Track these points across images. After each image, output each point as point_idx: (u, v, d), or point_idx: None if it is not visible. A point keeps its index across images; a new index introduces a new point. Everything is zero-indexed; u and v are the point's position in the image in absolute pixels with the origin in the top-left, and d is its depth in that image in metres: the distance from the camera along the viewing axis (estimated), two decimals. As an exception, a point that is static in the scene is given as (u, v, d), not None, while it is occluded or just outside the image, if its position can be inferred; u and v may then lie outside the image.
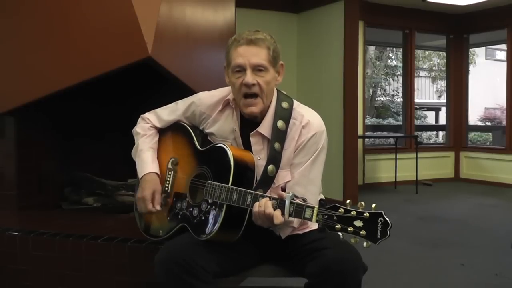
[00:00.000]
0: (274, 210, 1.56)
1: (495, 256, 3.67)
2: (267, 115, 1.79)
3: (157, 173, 1.89)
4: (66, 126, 3.15)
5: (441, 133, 11.65)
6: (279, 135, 1.76)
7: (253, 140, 1.79)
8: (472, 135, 9.76)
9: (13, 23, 2.73)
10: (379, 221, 1.41)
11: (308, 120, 1.79)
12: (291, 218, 1.56)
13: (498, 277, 3.20)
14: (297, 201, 1.54)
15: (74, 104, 3.08)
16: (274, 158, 1.74)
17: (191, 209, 1.78)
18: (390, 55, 13.07)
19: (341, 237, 1.45)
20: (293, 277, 1.80)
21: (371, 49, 11.88)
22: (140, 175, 1.89)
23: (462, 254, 3.70)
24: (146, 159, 1.91)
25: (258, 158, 1.77)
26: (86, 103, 3.20)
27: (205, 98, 1.91)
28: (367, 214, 1.42)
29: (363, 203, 1.44)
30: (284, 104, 1.80)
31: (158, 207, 1.83)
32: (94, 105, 3.24)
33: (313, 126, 1.78)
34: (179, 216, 1.81)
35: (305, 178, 1.76)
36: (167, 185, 1.89)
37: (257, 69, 1.71)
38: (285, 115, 1.78)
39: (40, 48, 2.66)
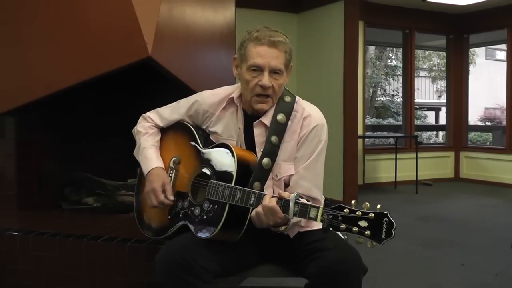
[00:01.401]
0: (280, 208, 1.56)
1: (495, 256, 3.67)
2: (270, 109, 1.81)
3: (162, 168, 1.89)
4: (66, 126, 3.15)
5: (441, 133, 11.66)
6: (278, 128, 1.77)
7: (256, 131, 1.80)
8: (472, 135, 9.76)
9: (13, 23, 2.72)
10: (384, 221, 1.41)
11: (309, 112, 1.82)
12: (295, 218, 1.56)
13: (498, 277, 3.20)
14: (302, 201, 1.54)
15: (74, 105, 3.08)
16: (270, 151, 1.75)
17: (192, 208, 1.78)
18: (390, 55, 13.07)
19: (346, 237, 1.45)
20: (293, 277, 1.80)
21: (371, 49, 11.89)
22: (145, 171, 1.88)
23: (462, 254, 3.70)
24: (150, 155, 1.91)
25: (261, 150, 1.78)
26: (86, 106, 3.19)
27: (208, 97, 1.91)
28: (372, 215, 1.42)
29: (367, 203, 1.44)
30: (287, 98, 1.83)
31: (171, 198, 1.81)
32: (95, 108, 3.24)
33: (314, 119, 1.81)
34: (180, 215, 1.81)
35: (310, 172, 1.78)
36: (168, 184, 1.88)
37: (274, 72, 1.73)
38: (286, 108, 1.81)
39: (40, 48, 2.66)
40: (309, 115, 1.81)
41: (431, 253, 3.77)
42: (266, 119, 1.79)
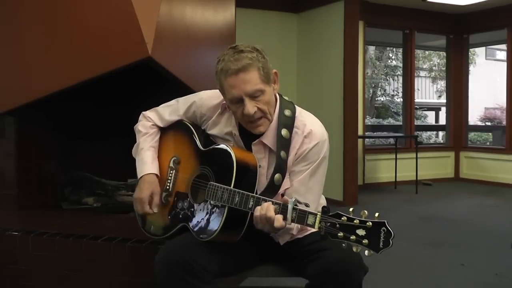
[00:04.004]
0: (276, 214, 1.55)
1: (495, 256, 3.67)
2: (271, 125, 1.76)
3: (156, 174, 1.89)
4: (66, 126, 3.15)
5: (441, 133, 11.65)
6: (284, 143, 1.74)
7: (254, 148, 1.78)
8: (472, 135, 9.76)
9: (14, 23, 2.72)
10: (382, 230, 1.40)
11: (310, 129, 1.76)
12: (293, 224, 1.56)
13: (498, 277, 3.20)
14: (300, 207, 1.53)
15: (74, 104, 3.08)
16: (280, 166, 1.72)
17: (192, 209, 1.78)
18: (390, 55, 13.07)
19: (344, 245, 1.44)
20: (293, 277, 1.80)
21: (371, 49, 11.88)
22: (139, 175, 1.89)
23: (462, 254, 3.70)
24: (146, 158, 1.91)
25: (259, 166, 1.76)
26: (86, 104, 3.19)
27: (206, 99, 1.90)
28: (370, 223, 1.41)
29: (366, 211, 1.43)
30: (287, 112, 1.78)
31: (155, 210, 1.84)
32: (94, 106, 3.24)
33: (315, 136, 1.76)
34: (180, 216, 1.81)
35: (303, 186, 1.74)
36: (168, 183, 1.88)
37: (254, 95, 1.67)
38: (288, 123, 1.76)
39: (40, 48, 2.66)
40: (310, 132, 1.75)
41: (431, 253, 3.77)
42: (267, 139, 1.76)
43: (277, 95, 1.81)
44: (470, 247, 3.93)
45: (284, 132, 1.74)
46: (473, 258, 3.61)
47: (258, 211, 1.58)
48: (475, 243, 4.05)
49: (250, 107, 1.66)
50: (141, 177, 1.87)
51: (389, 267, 3.38)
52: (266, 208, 1.56)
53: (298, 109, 1.83)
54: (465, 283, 3.11)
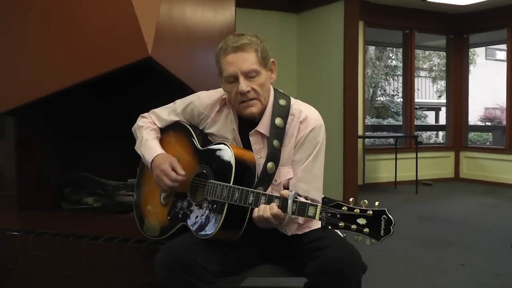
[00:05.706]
0: (279, 207, 1.56)
1: (495, 256, 3.67)
2: (265, 114, 1.80)
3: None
4: (65, 127, 3.15)
5: (441, 133, 11.65)
6: (277, 132, 1.77)
7: (252, 139, 1.80)
8: (472, 135, 9.75)
9: (13, 23, 2.72)
10: (382, 218, 1.41)
11: (306, 115, 1.80)
12: (294, 216, 1.56)
13: (498, 277, 3.20)
14: (300, 199, 1.54)
15: (74, 104, 3.08)
16: (273, 155, 1.75)
17: (192, 208, 1.78)
18: (390, 55, 13.06)
19: (344, 235, 1.45)
20: (293, 277, 1.80)
21: (371, 49, 11.88)
22: (149, 159, 1.86)
23: (462, 254, 3.70)
24: (154, 145, 1.90)
25: (259, 157, 1.78)
26: (86, 104, 3.19)
27: (203, 98, 1.92)
28: (370, 212, 1.43)
29: (366, 201, 1.45)
30: (282, 102, 1.81)
31: (182, 172, 1.78)
32: (94, 106, 3.24)
33: (311, 121, 1.79)
34: (180, 216, 1.81)
35: (308, 174, 1.77)
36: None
37: (249, 75, 1.71)
38: (282, 112, 1.79)
39: (40, 48, 2.66)
40: (306, 118, 1.79)
41: (431, 253, 3.77)
42: (263, 127, 1.78)
43: (272, 87, 1.84)
44: (470, 247, 3.93)
45: (278, 121, 1.77)
46: (473, 258, 3.61)
47: (255, 213, 1.59)
48: (475, 243, 4.05)
49: (244, 85, 1.70)
50: (152, 160, 1.84)
51: (389, 267, 3.38)
52: (263, 210, 1.57)
53: (293, 99, 1.86)
54: (465, 283, 3.11)
